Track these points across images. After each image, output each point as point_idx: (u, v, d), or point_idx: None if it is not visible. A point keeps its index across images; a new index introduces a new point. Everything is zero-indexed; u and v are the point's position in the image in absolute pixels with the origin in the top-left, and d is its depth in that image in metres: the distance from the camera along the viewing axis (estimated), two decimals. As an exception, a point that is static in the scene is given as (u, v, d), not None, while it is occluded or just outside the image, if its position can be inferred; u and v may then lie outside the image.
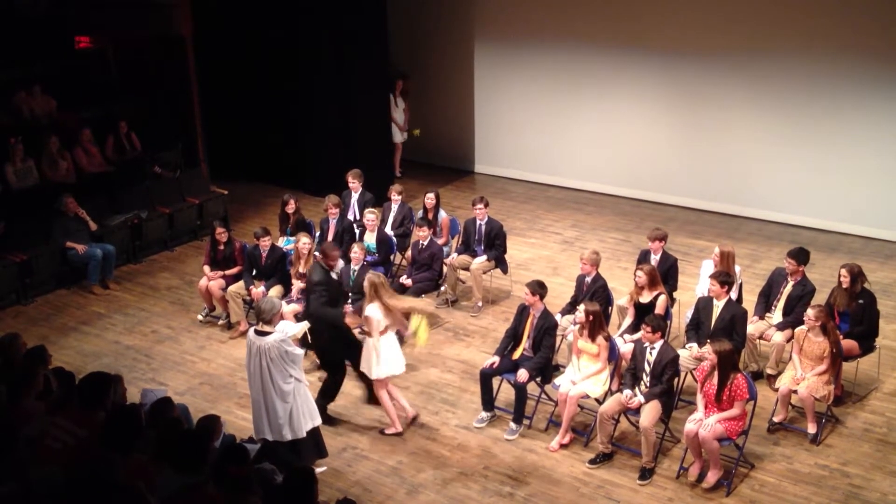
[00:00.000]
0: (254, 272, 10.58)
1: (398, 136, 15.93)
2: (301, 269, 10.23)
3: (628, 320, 9.28)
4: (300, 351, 7.72)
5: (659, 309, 8.90)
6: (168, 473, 5.64)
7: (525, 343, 8.68)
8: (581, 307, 8.57)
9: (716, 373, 7.68)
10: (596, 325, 8.38)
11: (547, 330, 8.54)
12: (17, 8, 13.93)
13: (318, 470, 7.72)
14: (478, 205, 11.00)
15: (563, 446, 8.35)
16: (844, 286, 8.91)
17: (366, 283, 8.36)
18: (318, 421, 7.91)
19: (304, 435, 7.77)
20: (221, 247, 10.77)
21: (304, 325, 8.46)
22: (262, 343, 7.46)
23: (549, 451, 8.31)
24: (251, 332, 7.61)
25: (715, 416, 7.64)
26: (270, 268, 10.50)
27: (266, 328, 7.52)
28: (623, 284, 10.70)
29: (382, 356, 8.40)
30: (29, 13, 13.99)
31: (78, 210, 11.78)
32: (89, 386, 6.59)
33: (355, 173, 11.98)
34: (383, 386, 8.54)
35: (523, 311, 8.76)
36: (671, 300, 9.54)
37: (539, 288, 8.63)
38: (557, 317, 9.43)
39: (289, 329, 7.87)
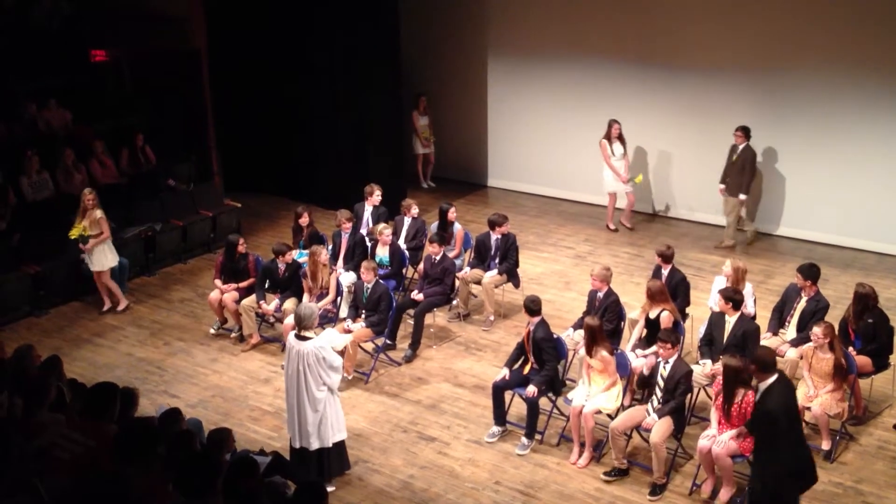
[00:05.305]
0: (267, 284, 10.60)
1: (615, 186, 13.80)
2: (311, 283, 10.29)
3: (636, 334, 9.25)
4: (339, 359, 7.78)
5: (663, 324, 8.82)
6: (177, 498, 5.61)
7: (532, 357, 8.67)
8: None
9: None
10: (589, 340, 8.35)
11: (542, 341, 8.50)
12: (33, 22, 14.06)
13: (328, 489, 7.71)
14: (504, 224, 10.93)
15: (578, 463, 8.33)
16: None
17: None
18: (344, 434, 7.99)
19: (331, 445, 7.85)
20: (237, 258, 10.78)
21: (348, 338, 8.50)
22: (300, 347, 7.57)
23: (575, 466, 8.28)
24: (291, 335, 7.73)
25: (728, 432, 7.60)
26: (287, 280, 10.52)
27: (306, 333, 7.59)
28: (636, 300, 10.66)
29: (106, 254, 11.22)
30: (45, 27, 14.12)
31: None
32: (96, 397, 6.61)
33: (376, 186, 11.97)
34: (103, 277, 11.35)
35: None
36: (683, 316, 9.51)
37: (531, 304, 8.63)
38: (570, 331, 9.43)
39: (335, 340, 7.92)
